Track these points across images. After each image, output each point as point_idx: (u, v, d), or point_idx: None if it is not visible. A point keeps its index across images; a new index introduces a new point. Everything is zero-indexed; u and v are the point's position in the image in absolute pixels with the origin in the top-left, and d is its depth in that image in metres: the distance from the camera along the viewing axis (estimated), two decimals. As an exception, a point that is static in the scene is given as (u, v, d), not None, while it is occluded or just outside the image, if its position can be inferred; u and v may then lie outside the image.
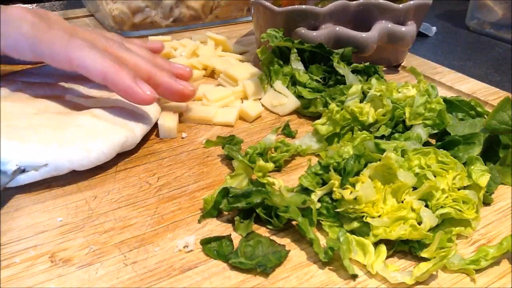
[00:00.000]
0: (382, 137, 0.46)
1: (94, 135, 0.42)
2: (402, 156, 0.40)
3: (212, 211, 0.38)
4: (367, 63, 0.56)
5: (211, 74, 0.63)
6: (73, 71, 0.43)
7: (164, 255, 0.35)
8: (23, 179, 0.39)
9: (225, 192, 0.38)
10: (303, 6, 0.57)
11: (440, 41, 0.89)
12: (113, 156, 0.43)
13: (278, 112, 0.55)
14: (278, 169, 0.45)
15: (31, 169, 0.39)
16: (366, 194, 0.36)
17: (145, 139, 0.48)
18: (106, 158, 0.42)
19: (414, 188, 0.37)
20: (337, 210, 0.37)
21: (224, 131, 0.51)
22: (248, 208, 0.38)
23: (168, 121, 0.49)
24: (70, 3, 0.93)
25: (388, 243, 0.35)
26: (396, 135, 0.46)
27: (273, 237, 0.37)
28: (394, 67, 0.67)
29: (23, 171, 0.39)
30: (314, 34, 0.57)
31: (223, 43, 0.69)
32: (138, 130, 0.45)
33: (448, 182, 0.37)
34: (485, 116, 0.47)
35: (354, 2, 0.59)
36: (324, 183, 0.39)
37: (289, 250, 0.35)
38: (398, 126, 0.47)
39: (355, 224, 0.37)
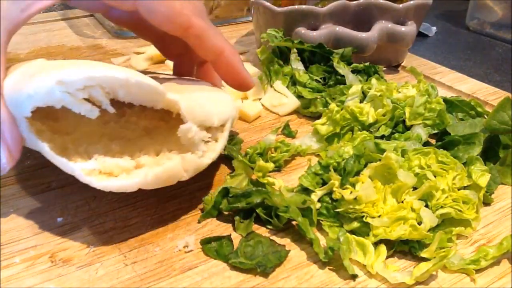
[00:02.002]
0: (382, 137, 0.46)
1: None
2: (402, 156, 0.40)
3: (212, 211, 0.38)
4: (367, 63, 0.56)
5: (211, 74, 0.63)
6: (181, 37, 0.39)
7: (164, 255, 0.35)
8: None
9: (225, 192, 0.38)
10: (303, 6, 0.57)
11: (440, 41, 0.89)
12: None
13: (278, 112, 0.55)
14: (278, 169, 0.45)
15: None
16: (366, 194, 0.36)
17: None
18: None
19: (414, 188, 0.37)
20: (337, 210, 0.37)
21: (224, 131, 0.51)
22: (248, 208, 0.38)
23: None
24: (70, 3, 0.93)
25: (388, 243, 0.35)
26: (396, 135, 0.46)
27: (273, 237, 0.37)
28: (394, 67, 0.67)
29: None
30: (314, 34, 0.57)
31: (223, 43, 0.69)
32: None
33: (448, 182, 0.37)
34: (485, 116, 0.47)
35: (354, 2, 0.59)
36: (324, 183, 0.39)
37: (289, 250, 0.35)
38: (398, 126, 0.47)
39: (355, 224, 0.37)
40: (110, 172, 0.33)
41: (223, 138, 0.38)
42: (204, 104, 0.37)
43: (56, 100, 0.31)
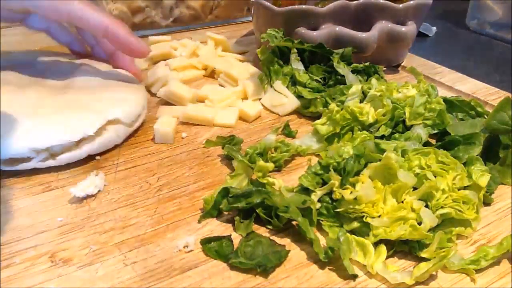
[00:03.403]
0: (382, 137, 0.46)
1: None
2: (402, 156, 0.40)
3: (212, 211, 0.38)
4: (367, 63, 0.56)
5: (211, 74, 0.63)
6: (68, 22, 0.46)
7: (164, 255, 0.35)
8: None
9: (225, 192, 0.38)
10: (303, 6, 0.57)
11: (440, 41, 0.89)
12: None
13: (278, 112, 0.55)
14: (278, 169, 0.45)
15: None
16: (366, 194, 0.36)
17: (145, 139, 0.48)
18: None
19: (414, 188, 0.37)
20: (337, 210, 0.37)
21: (224, 131, 0.51)
22: (248, 208, 0.38)
23: (164, 126, 0.48)
24: (70, 3, 0.93)
25: (388, 243, 0.35)
26: (396, 135, 0.46)
27: (273, 237, 0.37)
28: (394, 67, 0.67)
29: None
30: (314, 34, 0.57)
31: (223, 43, 0.69)
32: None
33: (448, 182, 0.37)
34: (485, 116, 0.47)
35: (354, 2, 0.59)
36: (324, 183, 0.39)
37: (289, 250, 0.35)
38: (398, 126, 0.47)
39: (355, 224, 0.37)
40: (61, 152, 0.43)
41: (143, 115, 0.49)
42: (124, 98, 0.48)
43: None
